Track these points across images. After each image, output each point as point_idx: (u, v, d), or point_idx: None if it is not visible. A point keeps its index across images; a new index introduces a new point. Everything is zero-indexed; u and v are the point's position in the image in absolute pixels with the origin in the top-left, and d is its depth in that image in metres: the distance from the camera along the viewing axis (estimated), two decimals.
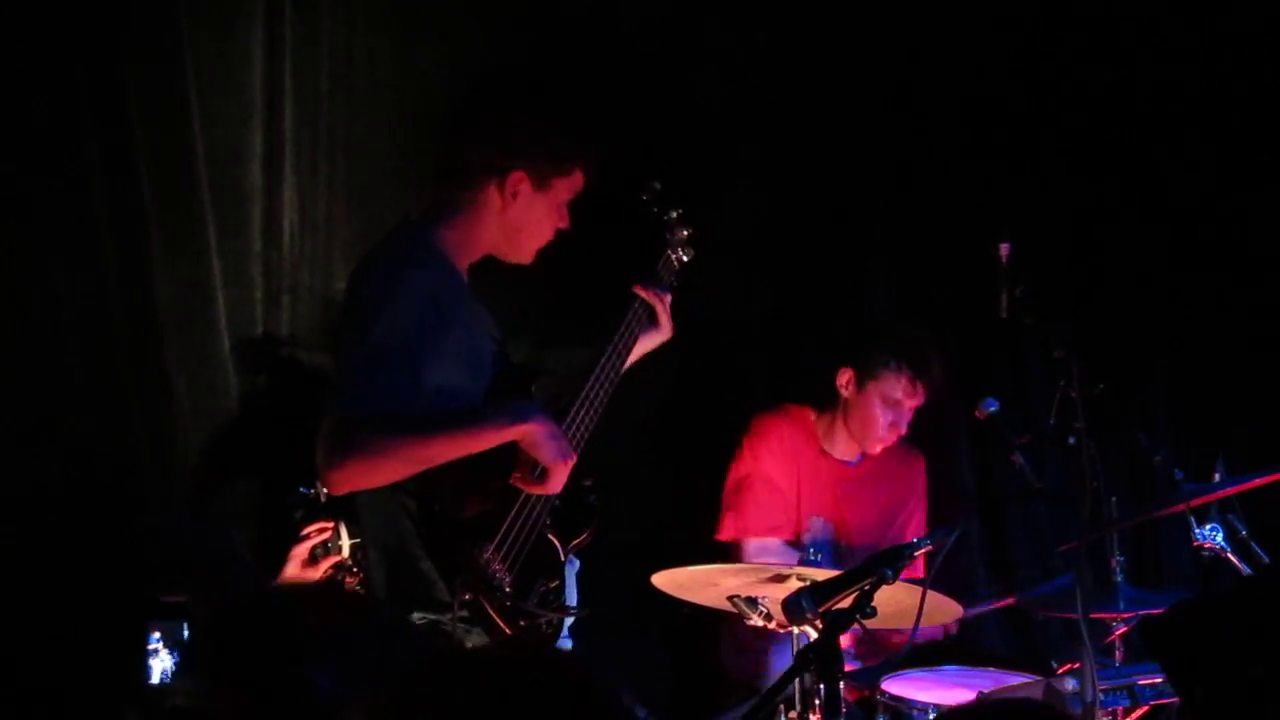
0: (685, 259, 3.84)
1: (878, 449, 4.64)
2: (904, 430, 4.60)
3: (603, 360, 3.48)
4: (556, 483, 3.19)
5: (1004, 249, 4.10)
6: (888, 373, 4.54)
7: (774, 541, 4.55)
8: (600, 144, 3.38)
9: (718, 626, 4.58)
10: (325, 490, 3.81)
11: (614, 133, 3.69)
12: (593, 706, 1.59)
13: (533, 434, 3.14)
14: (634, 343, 3.61)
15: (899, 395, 4.54)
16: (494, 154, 3.25)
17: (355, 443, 3.01)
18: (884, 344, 4.57)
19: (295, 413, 4.19)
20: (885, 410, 4.56)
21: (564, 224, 3.38)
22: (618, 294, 3.70)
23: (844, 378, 4.62)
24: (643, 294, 3.64)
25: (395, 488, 3.12)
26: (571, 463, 3.22)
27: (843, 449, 4.70)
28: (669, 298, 3.71)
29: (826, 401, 4.70)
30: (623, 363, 3.55)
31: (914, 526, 4.75)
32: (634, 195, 3.83)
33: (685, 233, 3.83)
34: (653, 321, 3.68)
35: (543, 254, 3.51)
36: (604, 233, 4.47)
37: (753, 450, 4.63)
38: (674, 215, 3.82)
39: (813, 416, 4.72)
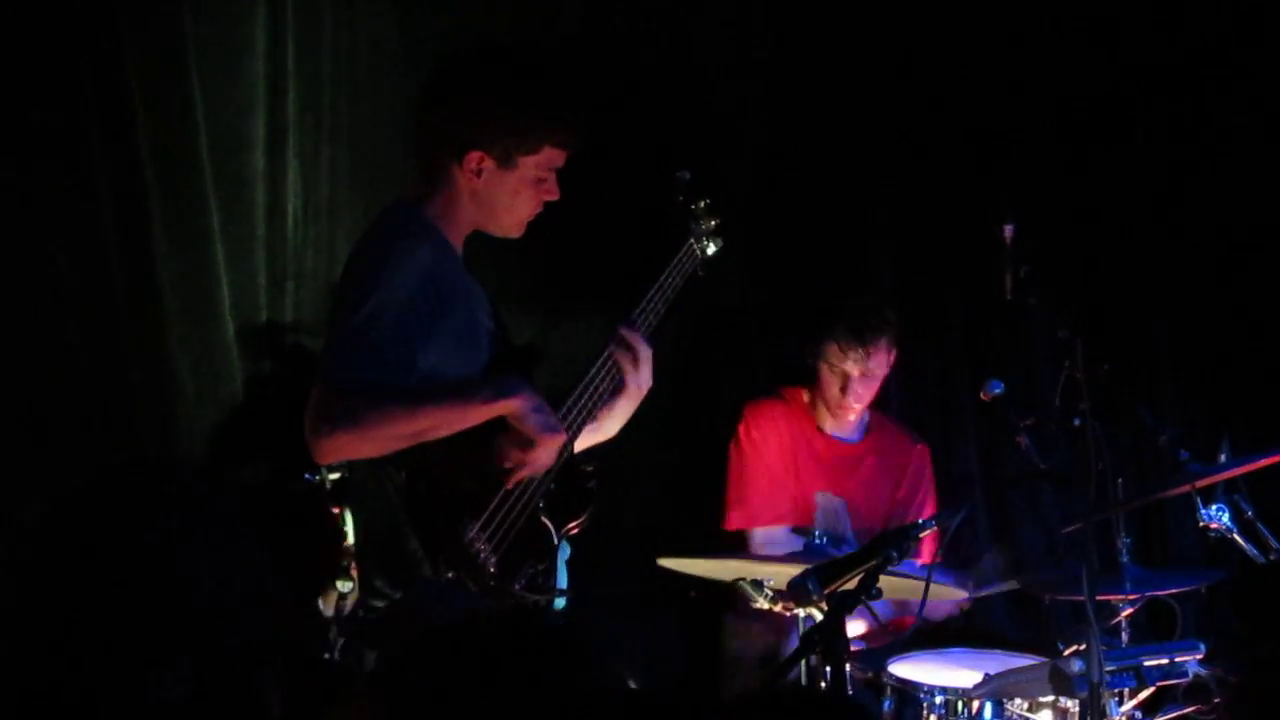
0: (712, 249, 3.78)
1: (849, 418, 4.68)
2: (854, 396, 4.59)
3: (608, 353, 3.46)
4: (542, 455, 3.17)
5: (1008, 230, 4.10)
6: (825, 344, 4.59)
7: (780, 531, 4.58)
8: (573, 120, 3.34)
9: (722, 608, 4.59)
10: (328, 477, 3.81)
11: (594, 109, 3.63)
12: (580, 670, 1.59)
13: (519, 408, 3.13)
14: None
15: (835, 361, 4.58)
16: (450, 135, 3.24)
17: (343, 412, 3.01)
18: (825, 318, 4.61)
19: (300, 399, 4.19)
20: (833, 380, 4.60)
21: (551, 196, 3.34)
22: (626, 276, 3.69)
23: (810, 358, 4.65)
24: (618, 350, 3.44)
25: (385, 465, 3.11)
26: (560, 438, 3.19)
27: (837, 427, 4.72)
28: (648, 352, 3.50)
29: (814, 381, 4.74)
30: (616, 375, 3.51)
31: (925, 515, 4.76)
32: (660, 185, 3.80)
33: (713, 223, 3.79)
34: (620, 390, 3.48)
35: (550, 236, 3.50)
36: (615, 216, 4.48)
37: (749, 438, 4.67)
38: (702, 205, 3.77)
39: (806, 397, 4.74)
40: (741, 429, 4.68)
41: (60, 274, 3.81)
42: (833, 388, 4.60)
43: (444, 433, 3.09)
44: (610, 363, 3.42)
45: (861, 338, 4.54)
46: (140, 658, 1.61)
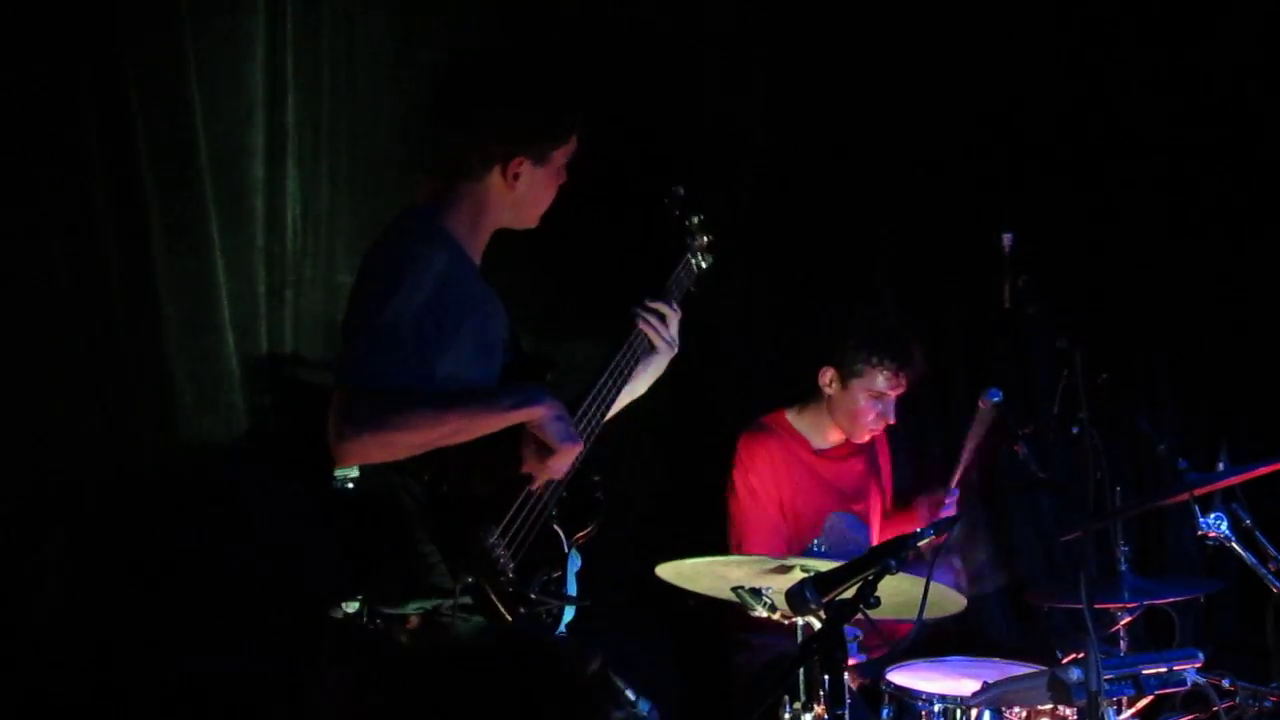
0: (705, 265, 3.83)
1: (866, 438, 4.70)
2: (892, 420, 4.64)
3: (618, 356, 3.48)
4: (560, 464, 3.19)
5: (1007, 240, 4.11)
6: (869, 369, 4.58)
7: None
8: (588, 104, 3.37)
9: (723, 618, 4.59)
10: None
11: (603, 98, 3.65)
12: (573, 688, 1.59)
13: (540, 417, 3.14)
14: (649, 345, 3.59)
15: (883, 388, 4.59)
16: (492, 147, 3.26)
17: (366, 416, 3.00)
18: (862, 340, 4.60)
19: (300, 407, 4.19)
20: (871, 403, 4.61)
21: (562, 179, 3.39)
22: (629, 287, 3.70)
23: (826, 377, 4.66)
24: (643, 319, 3.57)
25: (400, 469, 3.11)
26: (578, 448, 3.21)
27: (832, 438, 4.73)
28: (677, 316, 3.63)
29: (805, 397, 4.71)
30: (636, 363, 3.54)
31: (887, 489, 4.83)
32: (656, 200, 3.82)
33: (706, 239, 3.83)
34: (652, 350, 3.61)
35: (554, 246, 3.52)
36: (616, 224, 4.48)
37: (744, 477, 4.64)
38: (696, 221, 3.81)
39: (791, 417, 4.73)
40: (738, 474, 4.64)
41: (60, 281, 3.80)
42: (869, 411, 4.60)
43: (464, 439, 3.09)
44: (618, 370, 3.45)
45: (908, 364, 4.58)
46: (175, 631, 1.64)
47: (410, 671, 1.57)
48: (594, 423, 3.38)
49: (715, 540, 4.63)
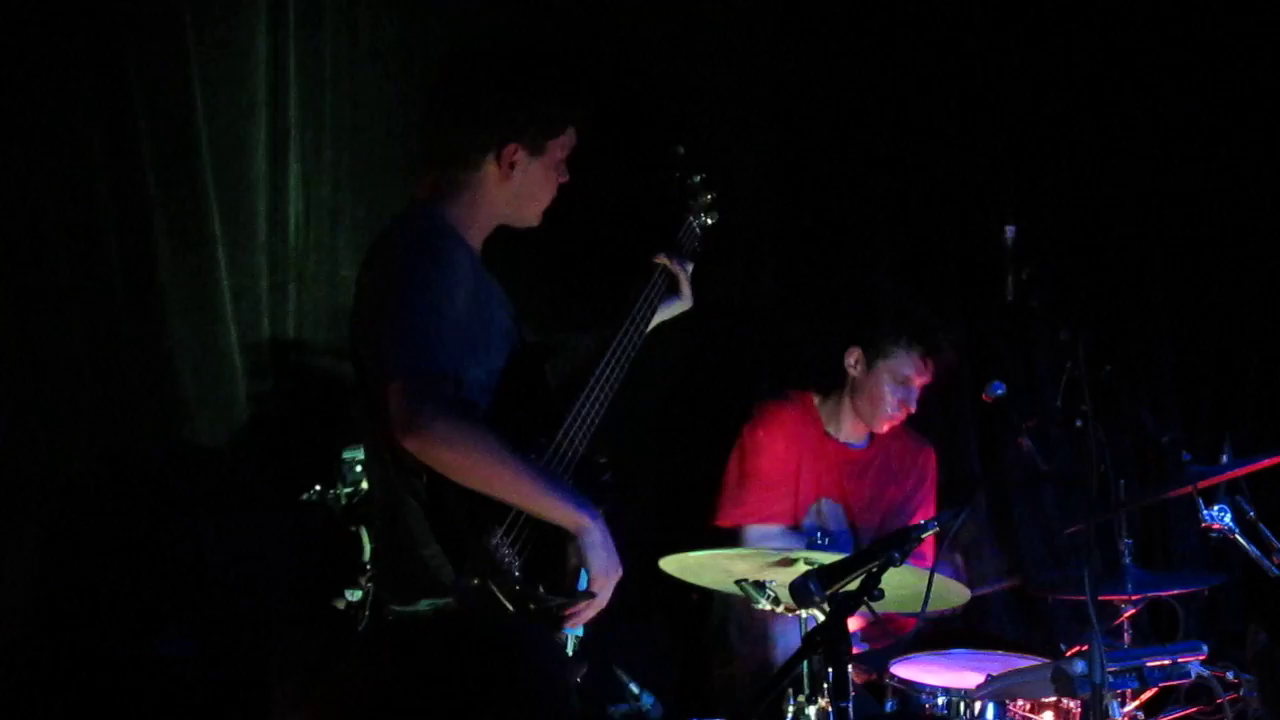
0: (709, 223, 3.83)
1: (885, 428, 4.62)
2: (913, 408, 4.58)
3: (620, 334, 3.46)
4: (600, 594, 3.18)
5: (1010, 232, 4.11)
6: (899, 350, 4.53)
7: (775, 528, 4.53)
8: (588, 100, 3.37)
9: (725, 611, 4.59)
10: (342, 492, 3.81)
11: (603, 89, 3.66)
12: (529, 676, 1.58)
13: (591, 534, 3.13)
14: (652, 314, 3.59)
15: (909, 373, 4.53)
16: (486, 133, 3.25)
17: (440, 404, 2.97)
18: (894, 323, 4.55)
19: (302, 402, 4.20)
20: (895, 388, 4.55)
21: (564, 179, 3.38)
22: (628, 271, 3.69)
23: (852, 357, 4.60)
24: (664, 262, 3.63)
25: (402, 468, 3.10)
26: (616, 577, 3.19)
27: (849, 432, 4.69)
28: (690, 267, 3.68)
29: (831, 385, 4.69)
30: (640, 335, 3.53)
31: (923, 517, 4.76)
32: (656, 160, 3.82)
33: (708, 197, 3.82)
34: (673, 291, 3.66)
35: (553, 232, 3.52)
36: (616, 209, 4.48)
37: (754, 438, 4.60)
38: (697, 179, 3.81)
39: (816, 401, 4.71)
40: (747, 428, 4.62)
41: (62, 277, 3.81)
42: (891, 396, 4.53)
43: (511, 500, 3.07)
44: (620, 355, 3.45)
45: (937, 352, 4.53)
46: (148, 616, 1.64)
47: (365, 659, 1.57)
48: (600, 403, 3.36)
49: (711, 532, 4.63)
